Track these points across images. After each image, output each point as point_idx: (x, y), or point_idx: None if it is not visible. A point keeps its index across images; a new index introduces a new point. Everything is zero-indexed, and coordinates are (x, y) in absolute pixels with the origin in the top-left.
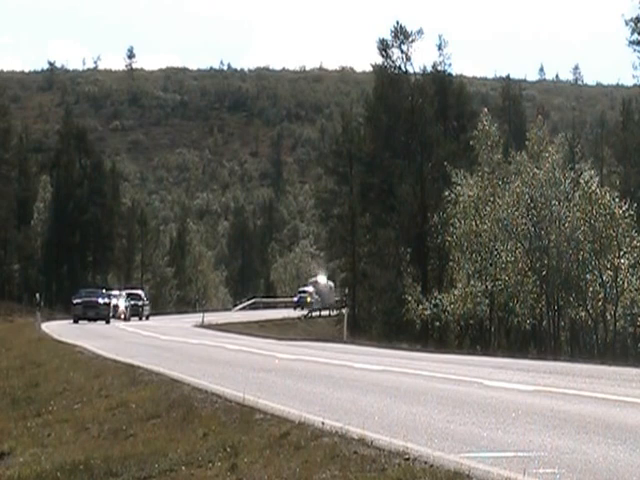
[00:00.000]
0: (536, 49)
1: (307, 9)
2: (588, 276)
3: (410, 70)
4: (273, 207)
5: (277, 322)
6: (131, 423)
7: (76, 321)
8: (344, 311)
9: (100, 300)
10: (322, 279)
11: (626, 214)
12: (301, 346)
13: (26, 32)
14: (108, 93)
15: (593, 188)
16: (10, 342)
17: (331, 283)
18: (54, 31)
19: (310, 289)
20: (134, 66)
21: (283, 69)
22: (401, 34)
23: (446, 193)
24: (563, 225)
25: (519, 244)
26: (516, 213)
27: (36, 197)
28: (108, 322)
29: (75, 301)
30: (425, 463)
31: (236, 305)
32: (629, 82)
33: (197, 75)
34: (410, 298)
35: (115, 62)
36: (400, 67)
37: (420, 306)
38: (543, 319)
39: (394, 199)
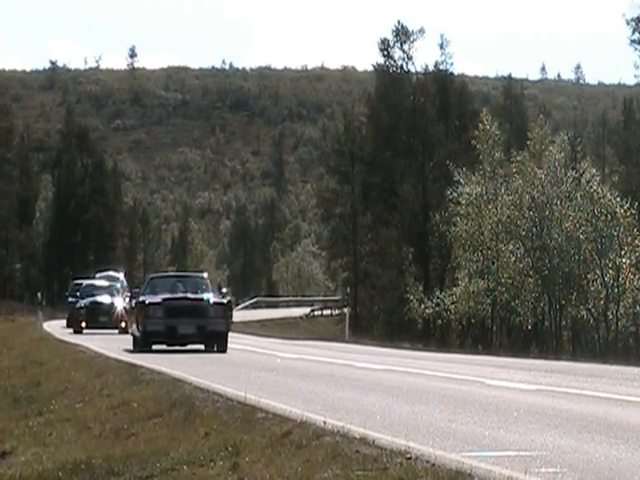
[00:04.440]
0: (538, 48)
1: (308, 8)
2: (590, 275)
3: (412, 69)
4: (275, 206)
5: (279, 321)
6: (133, 422)
7: (148, 343)
8: (346, 310)
9: (206, 297)
10: (118, 274)
11: (627, 213)
12: (303, 345)
13: (27, 31)
14: (110, 92)
15: (594, 187)
16: (12, 341)
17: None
18: (55, 31)
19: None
20: (136, 65)
21: (285, 68)
22: (403, 33)
23: (448, 192)
24: (565, 224)
25: (521, 243)
26: (518, 212)
27: (38, 196)
28: (224, 350)
29: (149, 300)
30: (427, 462)
31: (238, 304)
32: (631, 81)
33: (199, 74)
34: (412, 297)
35: (117, 61)
36: (402, 66)
37: (422, 305)
38: (545, 318)
39: (396, 198)
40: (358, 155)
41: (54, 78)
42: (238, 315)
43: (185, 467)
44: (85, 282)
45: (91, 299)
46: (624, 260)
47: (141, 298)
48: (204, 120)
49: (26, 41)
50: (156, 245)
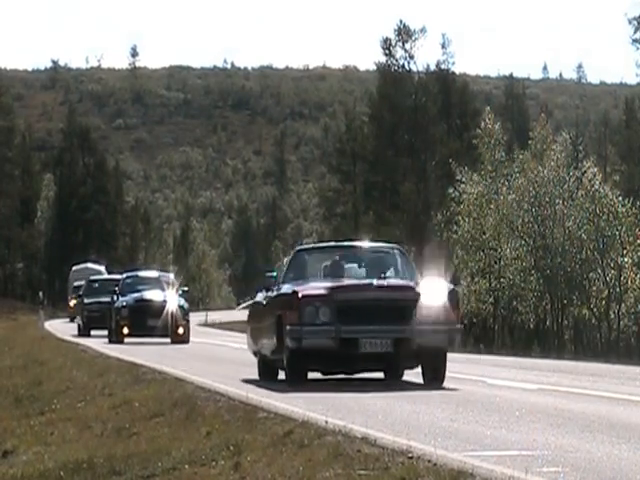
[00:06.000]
0: (539, 48)
1: (310, 8)
2: (591, 275)
3: (413, 69)
4: (276, 205)
5: None
6: (134, 422)
7: (301, 370)
8: None
9: (408, 284)
10: (98, 267)
11: (629, 212)
12: None
13: (29, 31)
14: (111, 91)
15: (596, 187)
16: (13, 340)
17: None
18: (56, 30)
19: None
20: (137, 64)
21: (286, 67)
22: (404, 33)
23: (449, 191)
24: (567, 224)
25: (523, 242)
26: (520, 211)
27: (39, 195)
28: (441, 383)
29: (303, 291)
30: (429, 462)
31: (240, 304)
32: (632, 81)
33: (200, 74)
34: None
35: (118, 60)
36: (403, 66)
37: None
38: (547, 317)
39: (398, 197)
40: (360, 154)
41: (56, 77)
42: (240, 314)
43: (187, 466)
44: (126, 273)
45: (136, 295)
46: (626, 259)
47: (284, 288)
48: (206, 119)
49: (27, 40)
50: (158, 244)
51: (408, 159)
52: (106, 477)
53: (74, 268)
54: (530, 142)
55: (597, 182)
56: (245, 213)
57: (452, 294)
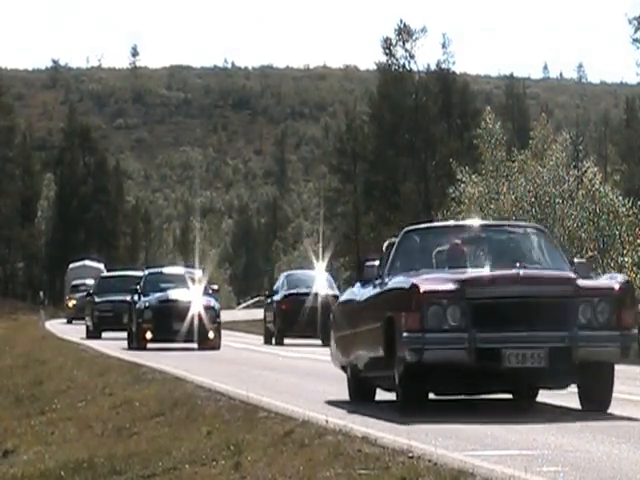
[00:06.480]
0: (540, 47)
1: (310, 8)
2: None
3: (414, 68)
4: (277, 205)
5: None
6: (135, 421)
7: (420, 390)
8: None
9: (568, 276)
10: (97, 265)
11: (629, 212)
12: (305, 344)
13: (29, 30)
14: (112, 91)
15: (597, 186)
16: (14, 340)
17: None
18: (57, 29)
19: None
20: (138, 64)
21: (287, 67)
22: (405, 32)
23: (450, 191)
24: (567, 223)
25: None
26: (520, 211)
27: (40, 195)
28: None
29: (426, 284)
30: (429, 461)
31: (240, 303)
32: (633, 80)
33: (201, 73)
34: None
35: (119, 60)
36: (404, 65)
37: None
38: None
39: (398, 197)
40: (360, 154)
41: (56, 77)
42: (240, 314)
43: (187, 466)
44: (149, 269)
45: (160, 295)
46: (626, 259)
47: (394, 281)
48: (206, 119)
49: (28, 40)
50: (158, 244)
51: (409, 159)
52: (107, 477)
53: (71, 266)
54: (530, 142)
55: (597, 182)
56: (245, 213)
57: (626, 287)
